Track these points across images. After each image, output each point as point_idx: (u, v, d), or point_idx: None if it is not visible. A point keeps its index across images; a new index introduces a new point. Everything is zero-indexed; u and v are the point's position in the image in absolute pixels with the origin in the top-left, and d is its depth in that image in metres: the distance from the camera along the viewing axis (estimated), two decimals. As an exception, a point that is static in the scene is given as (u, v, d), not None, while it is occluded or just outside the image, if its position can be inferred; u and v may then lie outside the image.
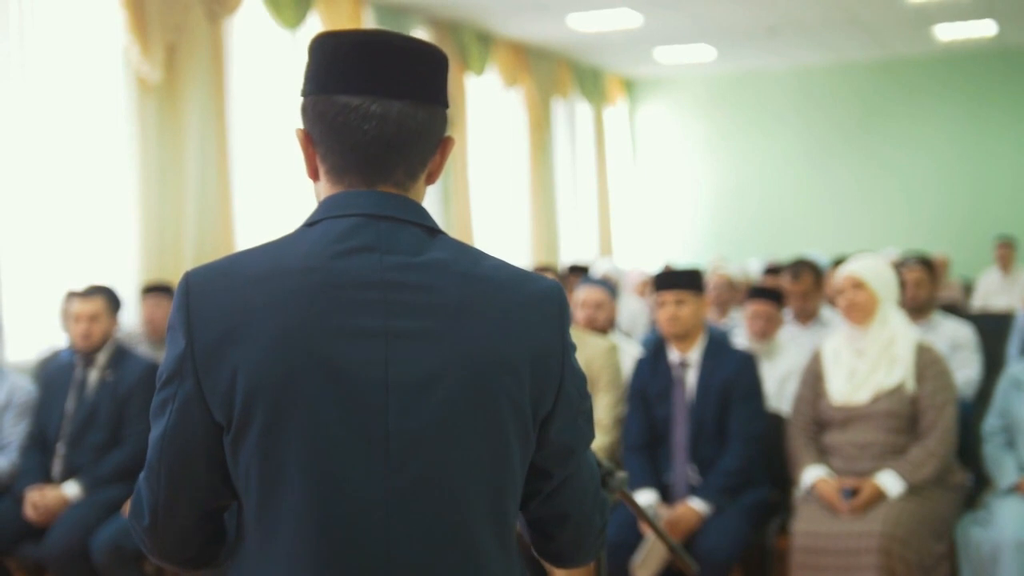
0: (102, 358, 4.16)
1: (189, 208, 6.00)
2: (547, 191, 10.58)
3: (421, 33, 8.37)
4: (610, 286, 4.88)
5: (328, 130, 1.33)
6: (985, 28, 9.82)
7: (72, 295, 4.54)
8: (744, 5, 8.68)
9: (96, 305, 4.15)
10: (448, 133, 1.41)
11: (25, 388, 4.30)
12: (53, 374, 4.29)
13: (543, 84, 10.34)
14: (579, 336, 4.05)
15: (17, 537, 3.96)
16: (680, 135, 12.60)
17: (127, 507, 1.44)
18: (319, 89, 1.34)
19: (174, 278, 5.55)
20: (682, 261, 9.82)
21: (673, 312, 3.81)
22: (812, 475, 3.66)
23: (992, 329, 5.71)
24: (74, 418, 4.10)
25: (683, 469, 3.77)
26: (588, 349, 4.06)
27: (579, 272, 6.86)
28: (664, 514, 3.63)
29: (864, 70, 11.63)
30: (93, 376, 4.14)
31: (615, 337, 4.72)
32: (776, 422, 3.99)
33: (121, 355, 4.19)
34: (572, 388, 1.39)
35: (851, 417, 3.67)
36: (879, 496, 3.51)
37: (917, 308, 4.83)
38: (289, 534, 1.27)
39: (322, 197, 1.38)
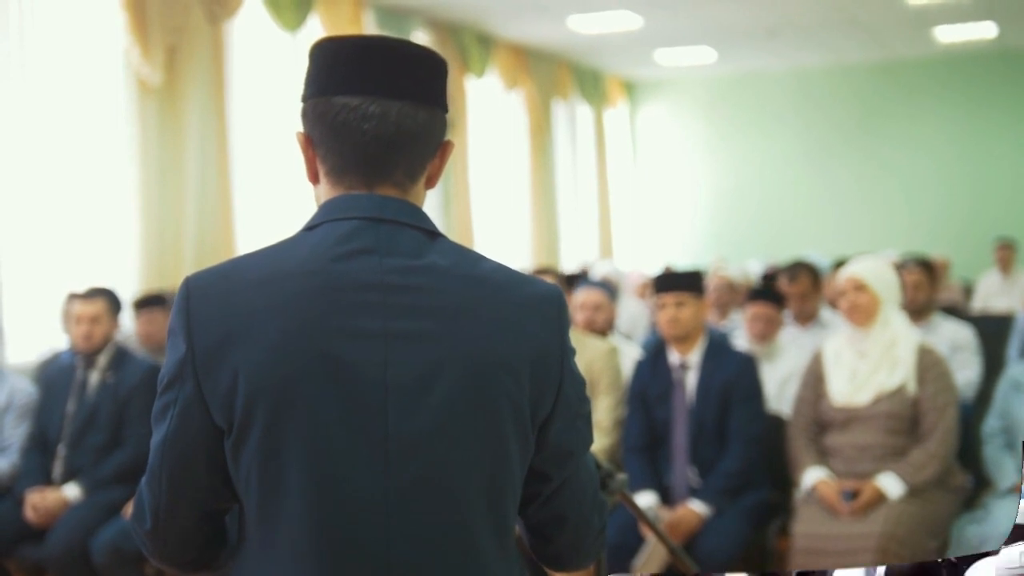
0: (103, 360, 4.16)
1: (189, 210, 6.00)
2: (547, 193, 10.58)
3: (421, 35, 8.37)
4: (609, 288, 4.89)
5: (328, 131, 1.34)
6: (985, 30, 9.82)
7: (73, 297, 4.53)
8: (744, 7, 8.68)
9: (97, 307, 4.15)
10: (448, 138, 1.42)
11: (26, 390, 4.29)
12: (54, 376, 4.29)
13: (543, 86, 10.34)
14: (579, 339, 4.04)
15: (17, 539, 3.95)
16: (680, 137, 12.60)
17: (128, 509, 1.45)
18: (319, 92, 1.35)
19: (174, 280, 5.55)
20: (682, 263, 9.81)
21: (673, 314, 3.81)
22: (812, 477, 3.65)
23: (992, 331, 5.70)
24: (75, 420, 4.10)
25: (683, 471, 3.77)
26: (588, 351, 4.05)
27: (577, 281, 6.85)
28: (664, 516, 3.63)
29: (864, 72, 11.63)
30: (94, 378, 4.14)
31: (615, 339, 4.72)
32: (776, 424, 3.99)
33: (122, 357, 4.19)
34: (571, 390, 1.39)
35: (852, 418, 3.67)
36: (879, 498, 3.50)
37: (916, 310, 4.82)
38: (290, 535, 1.28)
39: (322, 200, 1.38)
